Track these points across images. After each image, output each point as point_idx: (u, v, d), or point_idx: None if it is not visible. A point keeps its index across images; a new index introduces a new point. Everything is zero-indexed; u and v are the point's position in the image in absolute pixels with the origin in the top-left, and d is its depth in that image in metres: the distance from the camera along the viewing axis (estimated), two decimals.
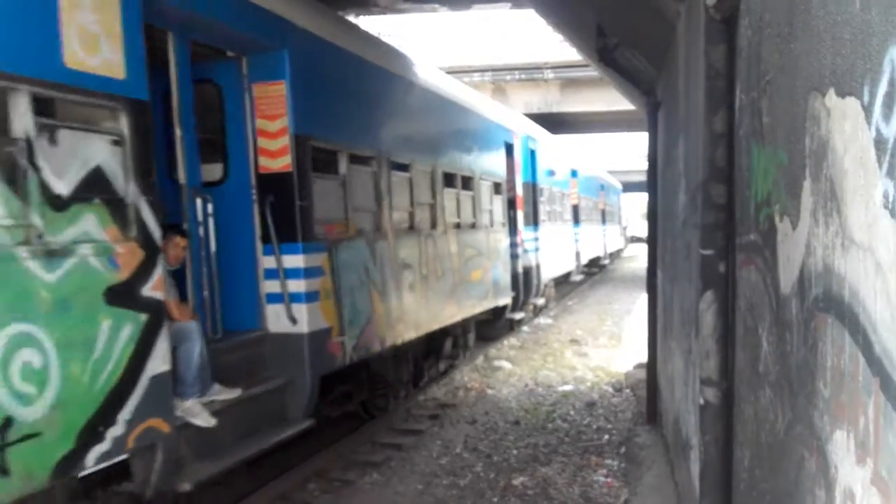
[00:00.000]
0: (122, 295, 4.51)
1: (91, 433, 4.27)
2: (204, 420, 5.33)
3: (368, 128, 7.91)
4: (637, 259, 40.67)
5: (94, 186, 4.37)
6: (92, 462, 4.31)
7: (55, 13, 4.06)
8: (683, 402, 5.27)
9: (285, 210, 6.33)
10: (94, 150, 4.44)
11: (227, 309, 6.25)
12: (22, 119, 3.92)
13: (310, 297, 6.47)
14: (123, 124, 4.57)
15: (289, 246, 6.31)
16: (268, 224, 6.26)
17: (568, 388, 10.50)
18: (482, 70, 31.69)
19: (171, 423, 4.90)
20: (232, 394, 5.70)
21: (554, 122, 30.73)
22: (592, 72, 20.89)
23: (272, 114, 6.36)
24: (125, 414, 4.50)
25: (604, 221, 32.33)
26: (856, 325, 1.63)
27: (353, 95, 7.58)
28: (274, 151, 6.38)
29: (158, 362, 4.75)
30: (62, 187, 4.14)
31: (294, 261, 6.36)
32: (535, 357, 12.92)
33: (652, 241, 8.41)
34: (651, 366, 8.29)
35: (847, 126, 1.68)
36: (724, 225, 3.04)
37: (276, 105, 6.34)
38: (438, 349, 10.54)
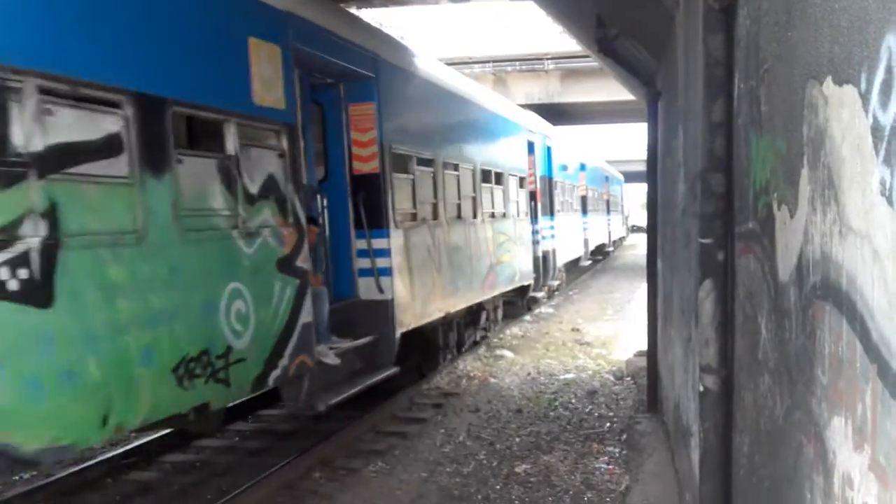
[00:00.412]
0: (286, 264, 6.29)
1: (271, 361, 6.06)
2: (332, 360, 7.16)
3: (430, 135, 9.85)
4: (637, 248, 40.69)
5: (269, 188, 6.12)
6: (270, 382, 6.14)
7: (248, 67, 5.90)
8: (683, 389, 5.29)
9: (374, 203, 8.07)
10: (268, 162, 6.18)
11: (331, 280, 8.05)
12: (232, 141, 5.66)
13: (392, 271, 8.23)
14: (284, 142, 6.33)
15: (377, 231, 8.10)
16: (360, 214, 8.00)
17: (569, 376, 10.54)
18: (483, 61, 31.66)
19: (313, 359, 6.69)
20: (344, 343, 7.58)
21: (555, 113, 30.70)
22: (593, 62, 20.87)
23: (364, 127, 8.08)
24: (289, 349, 6.28)
25: (608, 211, 33.90)
26: (853, 312, 1.64)
27: (419, 110, 9.64)
28: (365, 157, 8.09)
29: (306, 315, 6.54)
30: (253, 189, 5.90)
31: (381, 243, 8.15)
32: (537, 346, 12.96)
33: (652, 230, 8.41)
34: (651, 354, 8.32)
35: (844, 114, 1.69)
36: (722, 214, 3.05)
37: (367, 121, 8.07)
38: (476, 321, 12.24)
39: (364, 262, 8.11)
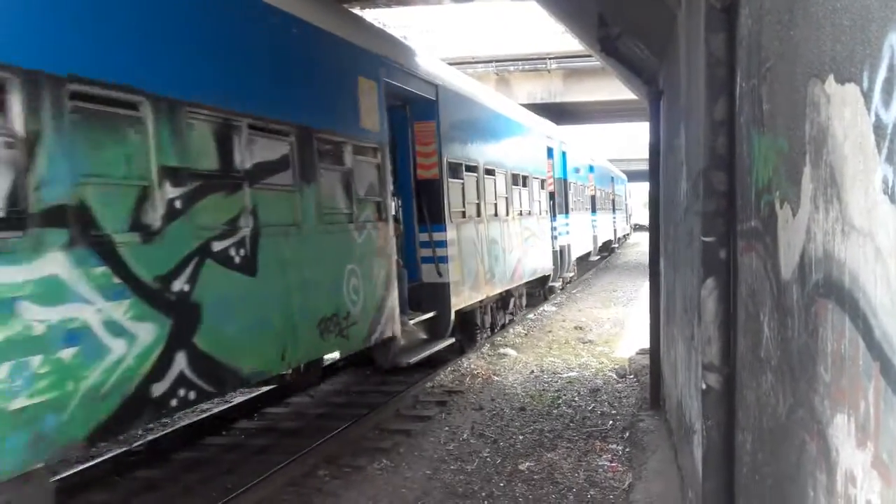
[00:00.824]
0: (382, 251, 8.22)
1: (373, 326, 7.99)
2: (410, 327, 9.15)
3: (475, 146, 11.84)
4: (639, 246, 40.69)
5: (370, 192, 8.11)
6: (372, 341, 8.04)
7: (357, 100, 7.81)
8: (686, 387, 5.30)
9: (434, 203, 10.12)
10: (369, 172, 8.11)
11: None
12: (349, 157, 7.64)
13: (449, 259, 10.21)
14: (379, 156, 8.26)
15: (437, 226, 10.15)
16: (423, 211, 10.06)
17: (572, 374, 10.55)
18: (486, 61, 31.64)
19: (399, 326, 8.54)
20: (416, 317, 9.59)
21: (557, 113, 30.69)
22: (595, 62, 20.90)
23: (426, 141, 10.13)
24: (384, 317, 8.23)
25: (614, 210, 36.30)
26: (856, 310, 1.65)
27: (468, 125, 11.69)
28: (427, 165, 10.14)
29: (394, 291, 8.49)
30: (361, 193, 7.86)
31: (440, 236, 10.18)
32: (541, 344, 12.97)
33: (654, 229, 8.42)
34: (654, 352, 8.32)
35: (847, 112, 1.70)
36: (725, 212, 3.05)
37: (429, 136, 10.11)
38: (506, 305, 14.26)
39: (426, 252, 10.15)
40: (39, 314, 4.06)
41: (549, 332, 14.30)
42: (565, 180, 19.97)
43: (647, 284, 9.30)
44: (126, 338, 4.67)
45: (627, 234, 49.10)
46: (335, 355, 9.49)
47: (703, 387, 3.14)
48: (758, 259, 2.66)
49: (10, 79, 3.96)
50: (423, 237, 10.13)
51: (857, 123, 1.62)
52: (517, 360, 11.63)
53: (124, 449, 7.26)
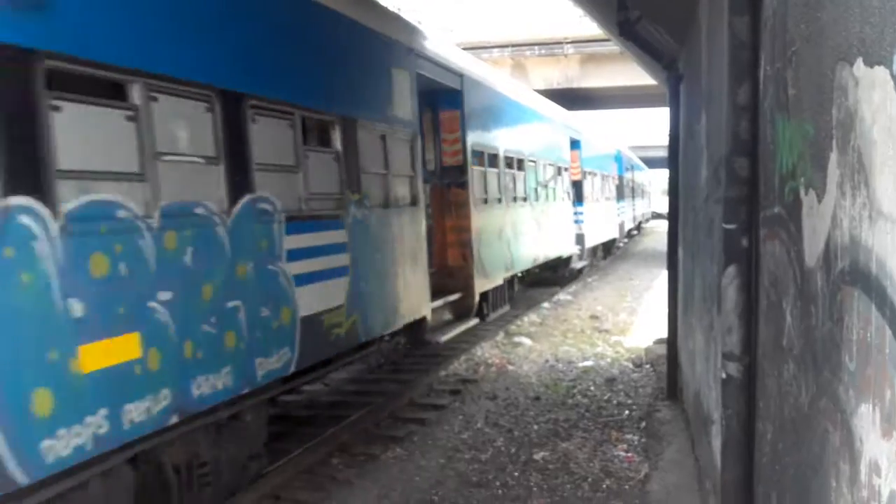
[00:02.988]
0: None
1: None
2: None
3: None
4: (655, 234, 40.47)
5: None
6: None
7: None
8: (704, 377, 5.26)
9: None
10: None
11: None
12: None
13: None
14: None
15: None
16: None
17: (588, 363, 10.52)
18: (502, 46, 31.46)
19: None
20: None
21: (574, 98, 30.48)
22: (613, 46, 20.76)
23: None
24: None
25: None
26: (883, 297, 1.61)
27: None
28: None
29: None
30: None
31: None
32: (556, 333, 12.94)
33: (673, 216, 8.34)
34: (671, 341, 8.27)
35: (875, 96, 1.65)
36: (747, 199, 3.00)
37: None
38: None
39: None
40: None
41: (564, 320, 14.26)
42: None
43: (663, 273, 9.23)
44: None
45: (648, 219, 50.78)
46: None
47: (723, 376, 3.10)
48: (781, 246, 2.61)
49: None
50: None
51: (887, 107, 1.58)
52: (532, 349, 11.60)
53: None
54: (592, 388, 9.20)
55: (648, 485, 6.05)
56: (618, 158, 28.82)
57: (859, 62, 1.76)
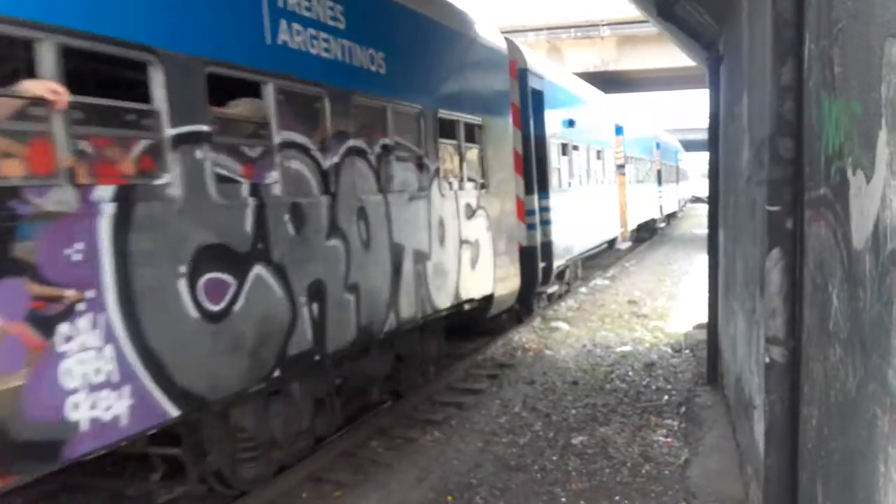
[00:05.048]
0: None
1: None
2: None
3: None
4: (693, 218, 39.95)
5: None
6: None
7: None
8: (746, 361, 5.19)
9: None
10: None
11: None
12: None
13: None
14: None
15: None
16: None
17: (626, 348, 10.45)
18: (537, 29, 31.16)
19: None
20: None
21: (610, 82, 30.12)
22: (650, 27, 20.43)
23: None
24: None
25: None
26: None
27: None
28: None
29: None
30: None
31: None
32: (593, 318, 12.87)
33: (713, 199, 8.21)
34: (711, 326, 8.17)
35: None
36: (791, 180, 2.94)
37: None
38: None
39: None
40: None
41: (602, 305, 14.17)
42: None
43: (702, 257, 9.10)
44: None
45: (687, 201, 51.65)
46: None
47: (767, 361, 3.06)
48: (827, 228, 2.56)
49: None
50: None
51: None
52: (569, 334, 11.57)
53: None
54: (631, 373, 9.15)
55: (688, 470, 6.01)
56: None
57: None
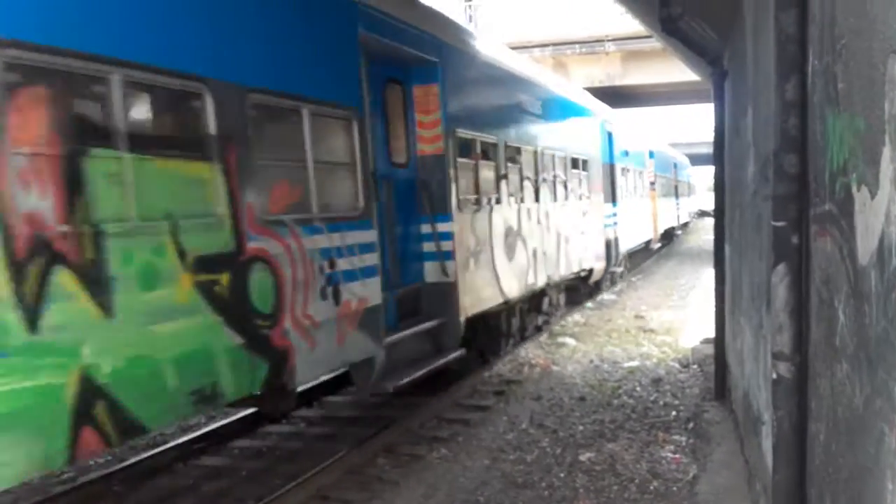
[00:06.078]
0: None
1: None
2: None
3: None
4: (700, 232, 39.91)
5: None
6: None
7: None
8: (754, 377, 5.17)
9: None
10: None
11: None
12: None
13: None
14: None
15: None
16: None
17: (633, 364, 10.41)
18: (543, 45, 31.30)
19: None
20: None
21: (616, 96, 30.19)
22: (655, 43, 20.51)
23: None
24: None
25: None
26: None
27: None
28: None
29: None
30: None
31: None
32: (600, 333, 12.84)
33: (719, 214, 8.21)
34: (719, 341, 8.15)
35: None
36: (796, 196, 2.95)
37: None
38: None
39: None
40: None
41: (609, 320, 14.14)
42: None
43: (710, 272, 9.09)
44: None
45: (696, 214, 54.62)
46: None
47: (774, 376, 3.05)
48: (832, 244, 2.56)
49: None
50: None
51: None
52: (576, 350, 11.53)
53: (188, 437, 7.47)
54: (638, 388, 9.11)
55: (697, 486, 5.97)
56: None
57: None
